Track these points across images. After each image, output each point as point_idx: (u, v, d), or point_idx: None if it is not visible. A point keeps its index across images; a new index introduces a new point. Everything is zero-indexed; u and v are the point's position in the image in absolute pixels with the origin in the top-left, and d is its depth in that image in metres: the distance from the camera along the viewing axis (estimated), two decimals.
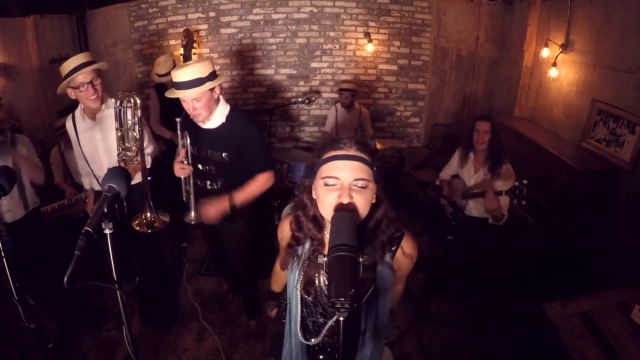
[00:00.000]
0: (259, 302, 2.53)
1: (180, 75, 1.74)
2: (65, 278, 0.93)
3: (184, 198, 2.07)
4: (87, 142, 2.11)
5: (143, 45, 4.34)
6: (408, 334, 2.50)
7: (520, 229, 3.01)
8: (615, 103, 2.75)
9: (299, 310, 1.16)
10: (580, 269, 2.69)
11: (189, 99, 1.78)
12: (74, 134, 2.12)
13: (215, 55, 4.33)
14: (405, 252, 1.10)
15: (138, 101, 2.01)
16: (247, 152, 1.92)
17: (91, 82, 1.94)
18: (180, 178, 2.03)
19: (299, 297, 1.14)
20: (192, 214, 2.04)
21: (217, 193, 2.00)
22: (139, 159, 2.03)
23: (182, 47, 3.40)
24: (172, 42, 4.25)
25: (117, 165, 2.11)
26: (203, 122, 1.92)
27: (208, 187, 2.03)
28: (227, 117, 1.92)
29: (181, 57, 3.50)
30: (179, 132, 1.90)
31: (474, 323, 2.59)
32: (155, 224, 2.02)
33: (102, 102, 2.05)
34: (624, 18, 2.67)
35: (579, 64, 3.13)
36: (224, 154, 1.93)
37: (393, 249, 1.08)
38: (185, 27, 3.99)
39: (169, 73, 3.31)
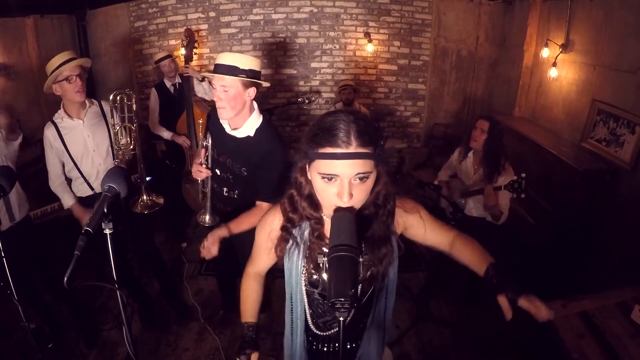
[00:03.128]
0: (268, 295, 2.50)
1: (222, 57, 1.68)
2: (65, 278, 0.93)
3: (200, 199, 2.03)
4: (74, 141, 2.08)
5: (143, 45, 4.34)
6: (408, 334, 2.50)
7: (520, 229, 3.01)
8: (615, 103, 2.75)
9: (304, 308, 1.12)
10: (580, 269, 2.69)
11: (218, 82, 1.66)
12: (58, 139, 2.05)
13: (215, 56, 4.32)
14: (406, 209, 1.11)
15: (133, 96, 2.09)
16: (262, 173, 1.78)
17: (79, 75, 1.96)
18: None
19: (304, 291, 1.09)
20: (207, 216, 1.98)
21: (234, 201, 1.92)
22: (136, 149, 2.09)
23: (182, 46, 3.40)
24: (172, 42, 4.25)
25: (112, 161, 2.15)
26: (230, 127, 1.79)
27: (225, 193, 1.95)
28: (257, 131, 1.77)
29: (182, 57, 3.50)
30: (200, 133, 1.87)
31: (474, 323, 2.59)
32: (150, 205, 2.09)
33: (85, 99, 2.09)
34: (624, 18, 2.67)
35: (579, 64, 3.13)
36: (243, 169, 1.82)
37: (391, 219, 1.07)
38: (186, 27, 3.98)
39: (165, 57, 3.40)
